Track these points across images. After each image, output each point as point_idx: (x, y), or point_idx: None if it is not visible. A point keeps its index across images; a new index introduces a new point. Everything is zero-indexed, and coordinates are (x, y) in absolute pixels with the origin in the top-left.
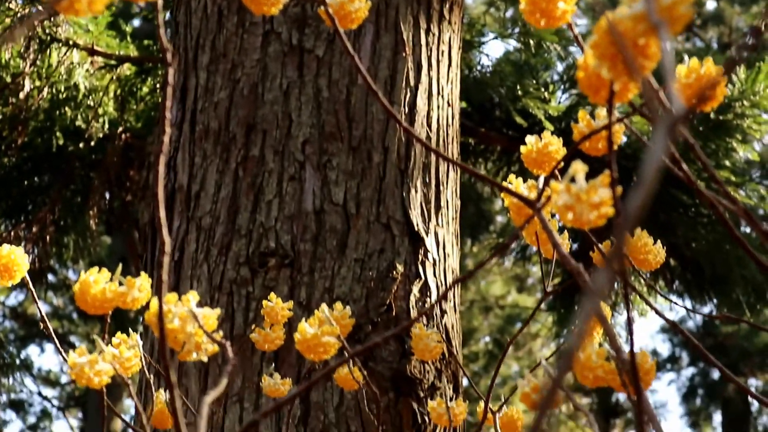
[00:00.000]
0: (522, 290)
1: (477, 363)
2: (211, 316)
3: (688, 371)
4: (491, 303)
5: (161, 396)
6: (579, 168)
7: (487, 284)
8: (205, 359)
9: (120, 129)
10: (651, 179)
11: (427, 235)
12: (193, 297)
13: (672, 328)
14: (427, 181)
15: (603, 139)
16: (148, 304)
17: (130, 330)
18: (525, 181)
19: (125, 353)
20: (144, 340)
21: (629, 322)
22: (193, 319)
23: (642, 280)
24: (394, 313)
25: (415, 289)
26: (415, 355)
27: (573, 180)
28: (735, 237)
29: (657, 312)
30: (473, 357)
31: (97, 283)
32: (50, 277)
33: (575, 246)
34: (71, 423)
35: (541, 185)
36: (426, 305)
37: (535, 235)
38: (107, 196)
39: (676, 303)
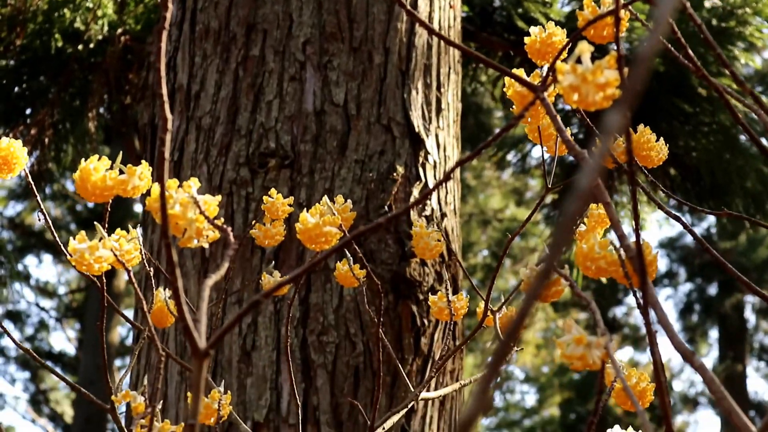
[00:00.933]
0: (521, 204)
1: (475, 276)
2: (212, 202)
3: (686, 287)
4: (489, 216)
5: (161, 294)
6: (585, 48)
7: (485, 197)
8: (206, 245)
9: (119, 31)
10: (652, 52)
11: (427, 137)
12: (194, 183)
13: (685, 229)
14: (428, 82)
15: (608, 26)
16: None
17: (130, 227)
18: None
19: (125, 245)
20: (143, 242)
21: (635, 209)
22: (194, 205)
23: (641, 190)
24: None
25: (416, 191)
26: (415, 253)
27: (579, 61)
28: (736, 118)
29: (660, 206)
30: (471, 270)
31: (97, 171)
32: (47, 189)
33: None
34: (68, 334)
35: (544, 73)
36: (426, 209)
37: (537, 131)
38: (106, 99)
39: (682, 201)
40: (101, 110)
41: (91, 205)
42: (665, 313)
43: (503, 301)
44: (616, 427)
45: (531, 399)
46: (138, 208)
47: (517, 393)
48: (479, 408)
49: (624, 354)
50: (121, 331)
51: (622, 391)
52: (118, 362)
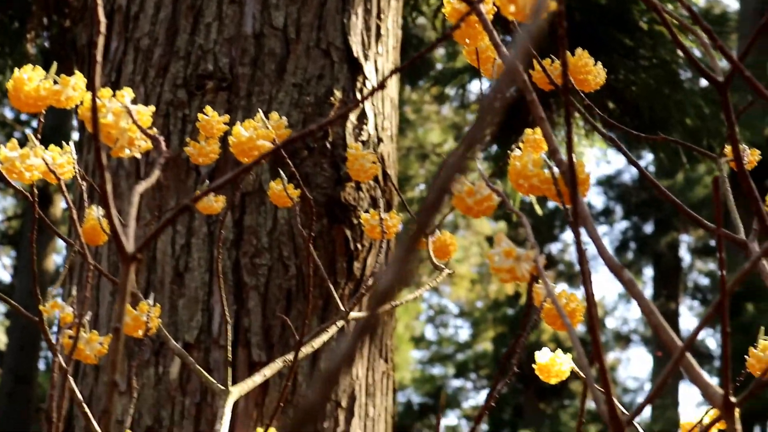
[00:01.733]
0: (459, 138)
1: (412, 208)
2: (145, 112)
3: (621, 225)
4: (428, 150)
5: (93, 212)
6: None
7: (424, 132)
8: (138, 155)
9: None
10: None
11: (366, 63)
12: (127, 93)
13: (625, 156)
14: (368, 8)
15: None
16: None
17: (64, 143)
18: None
19: (58, 159)
20: (78, 162)
21: (569, 130)
22: (127, 115)
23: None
24: (330, 139)
25: (353, 116)
26: (350, 177)
27: None
28: (678, 44)
29: (598, 130)
30: (409, 203)
31: (31, 81)
32: None
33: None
34: (4, 261)
35: None
36: (363, 133)
37: (474, 54)
38: (45, 22)
39: (624, 129)
40: (40, 33)
41: (29, 131)
42: (595, 228)
43: (436, 224)
44: (545, 349)
45: (464, 333)
46: (77, 136)
47: (451, 327)
48: (398, 279)
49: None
50: (56, 259)
51: (553, 311)
52: (53, 291)
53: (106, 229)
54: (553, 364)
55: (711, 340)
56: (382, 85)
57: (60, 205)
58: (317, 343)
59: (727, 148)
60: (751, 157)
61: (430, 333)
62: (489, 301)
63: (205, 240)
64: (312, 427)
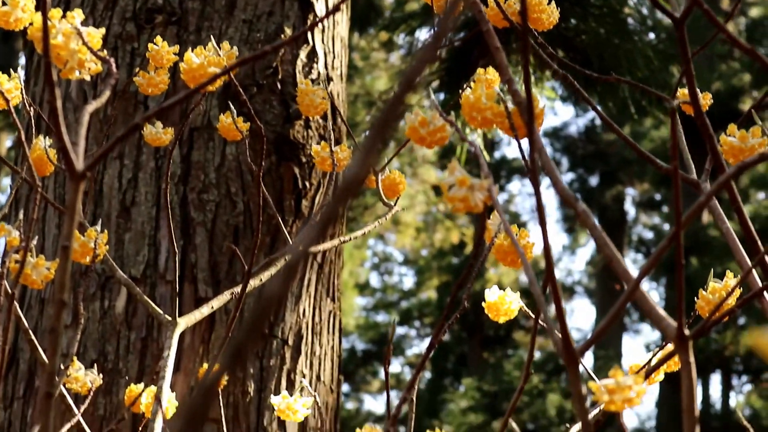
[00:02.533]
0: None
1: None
2: (95, 34)
3: (567, 177)
4: (375, 98)
5: (40, 142)
6: None
7: (372, 79)
8: (87, 78)
9: None
10: None
11: (316, 2)
12: (77, 14)
13: (580, 96)
14: None
15: None
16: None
17: (11, 70)
18: None
19: (6, 84)
20: (25, 92)
21: (525, 59)
22: (77, 36)
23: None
24: (279, 77)
25: (303, 54)
26: (300, 115)
27: None
28: None
29: (550, 67)
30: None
31: None
32: None
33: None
34: None
35: None
36: (313, 72)
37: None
38: None
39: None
40: None
41: None
42: (549, 159)
43: (386, 161)
44: (494, 287)
45: (409, 281)
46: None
47: (396, 275)
48: (364, 168)
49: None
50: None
51: (503, 247)
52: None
53: (53, 159)
54: (502, 303)
55: (654, 293)
56: (335, 10)
57: (4, 144)
58: (265, 276)
59: (681, 91)
60: (703, 101)
61: (374, 280)
62: (434, 250)
63: (152, 175)
64: (274, 315)
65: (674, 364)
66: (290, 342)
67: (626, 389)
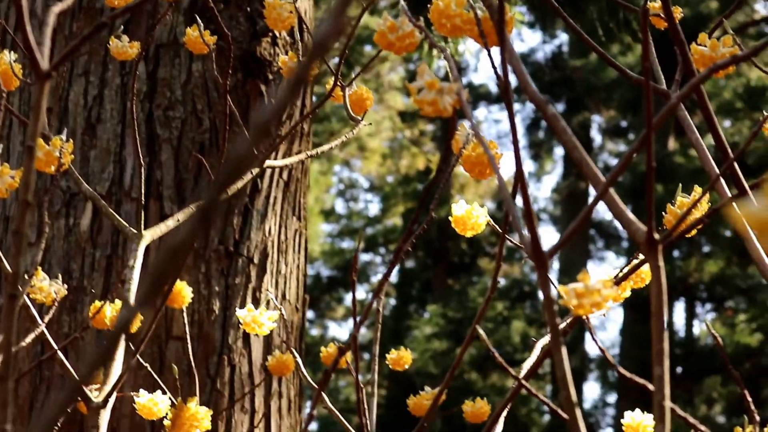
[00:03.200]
0: (373, 12)
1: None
2: None
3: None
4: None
5: (5, 57)
6: None
7: None
8: None
9: None
10: None
11: None
12: None
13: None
14: None
15: None
16: None
17: None
18: None
19: None
20: None
21: None
22: None
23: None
24: None
25: None
26: (267, 30)
27: None
28: None
29: None
30: (321, 74)
31: None
32: None
33: None
34: None
35: None
36: None
37: None
38: None
39: None
40: None
41: None
42: (519, 61)
43: (353, 77)
44: (461, 201)
45: (374, 208)
46: None
47: (361, 201)
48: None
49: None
50: None
51: (472, 158)
52: None
53: (18, 74)
54: (470, 217)
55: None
56: None
57: None
58: (231, 189)
59: (651, 3)
60: (675, 12)
61: (340, 207)
62: (399, 176)
63: (118, 91)
64: (239, 232)
65: (641, 280)
66: (255, 260)
67: (595, 293)
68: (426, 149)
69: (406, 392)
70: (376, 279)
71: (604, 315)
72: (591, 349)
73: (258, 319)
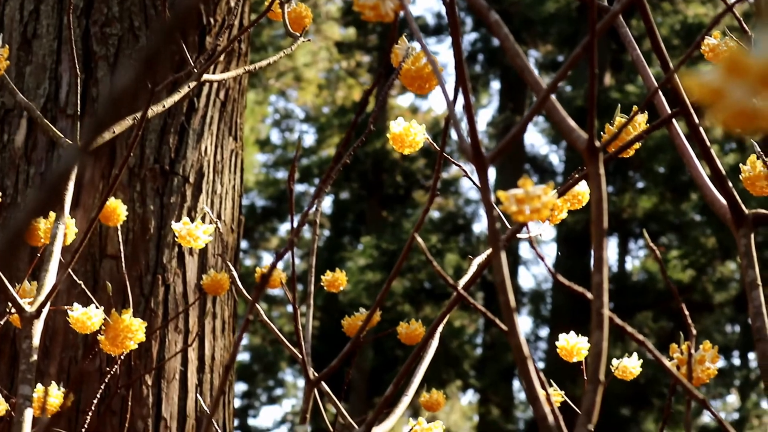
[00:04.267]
0: None
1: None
2: None
3: (471, 36)
4: None
5: None
6: None
7: None
8: None
9: None
10: None
11: None
12: None
13: None
14: None
15: None
16: None
17: None
18: None
19: None
20: None
21: None
22: None
23: None
24: None
25: None
26: None
27: None
28: None
29: None
30: None
31: None
32: None
33: None
34: None
35: None
36: None
37: None
38: None
39: None
40: None
41: None
42: None
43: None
44: (400, 119)
45: (310, 139)
46: None
47: (296, 132)
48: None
49: (405, 99)
50: None
51: (411, 71)
52: None
53: None
54: (408, 134)
55: (554, 156)
56: None
57: None
58: (168, 102)
59: None
60: None
61: (275, 137)
62: (335, 107)
63: (54, 7)
64: (174, 150)
65: (578, 202)
66: (191, 180)
67: (535, 199)
68: (362, 81)
69: (339, 324)
70: (311, 210)
71: (540, 233)
72: (525, 282)
73: (193, 232)
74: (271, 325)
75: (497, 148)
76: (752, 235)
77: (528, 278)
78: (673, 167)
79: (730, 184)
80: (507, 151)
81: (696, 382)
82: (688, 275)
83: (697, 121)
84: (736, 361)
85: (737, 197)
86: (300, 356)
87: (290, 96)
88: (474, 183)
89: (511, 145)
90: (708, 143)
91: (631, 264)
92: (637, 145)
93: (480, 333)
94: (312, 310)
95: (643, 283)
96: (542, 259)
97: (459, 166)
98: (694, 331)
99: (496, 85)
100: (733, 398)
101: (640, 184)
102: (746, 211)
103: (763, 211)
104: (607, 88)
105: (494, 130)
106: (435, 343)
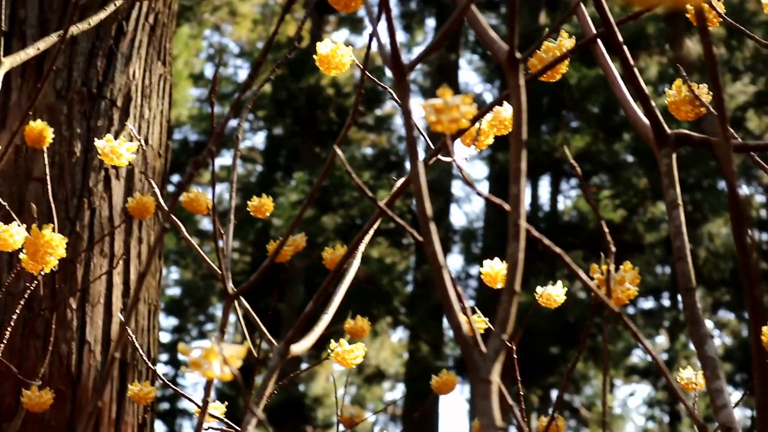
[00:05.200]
0: None
1: None
2: None
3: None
4: None
5: None
6: None
7: None
8: None
9: None
10: None
11: None
12: None
13: None
14: None
15: None
16: None
17: None
18: None
19: None
20: None
21: None
22: None
23: None
24: None
25: None
26: None
27: None
28: None
29: None
30: None
31: None
32: None
33: None
34: None
35: None
36: None
37: None
38: None
39: None
40: None
41: None
42: None
43: None
44: (327, 40)
45: (244, 74)
46: None
47: (231, 67)
48: None
49: (340, 36)
50: None
51: None
52: None
53: None
54: (334, 55)
55: (488, 95)
56: None
57: None
58: (94, 19)
59: None
60: None
61: (209, 71)
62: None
63: None
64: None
65: (504, 127)
66: (119, 104)
67: (454, 109)
68: (297, 16)
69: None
70: (243, 145)
71: (467, 158)
72: (456, 220)
73: (116, 149)
74: (192, 242)
75: (417, 57)
76: (674, 155)
77: (460, 216)
78: (606, 107)
79: (653, 104)
80: (426, 59)
81: (616, 302)
82: (619, 215)
83: (620, 39)
84: (666, 302)
85: (660, 117)
86: (219, 272)
87: (225, 30)
88: (395, 100)
89: (429, 53)
90: (631, 62)
91: (563, 203)
92: (563, 69)
93: (411, 270)
94: (233, 225)
95: (574, 223)
96: (471, 185)
97: (381, 85)
98: (613, 248)
99: (431, 22)
100: (662, 339)
101: (574, 124)
102: (668, 130)
103: (685, 131)
104: (541, 27)
105: (428, 68)
106: (356, 262)
